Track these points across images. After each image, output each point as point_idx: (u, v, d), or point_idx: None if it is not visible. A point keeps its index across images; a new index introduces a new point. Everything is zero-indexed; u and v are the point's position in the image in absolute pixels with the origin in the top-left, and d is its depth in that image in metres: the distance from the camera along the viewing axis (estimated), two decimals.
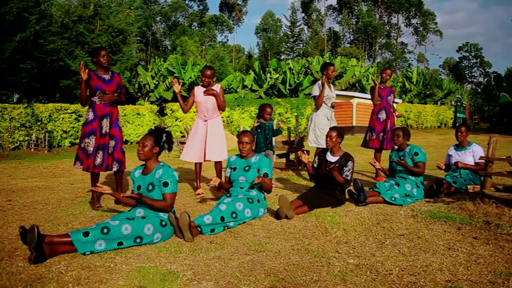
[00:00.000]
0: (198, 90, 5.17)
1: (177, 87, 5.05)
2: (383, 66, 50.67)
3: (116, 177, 4.72)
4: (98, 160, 4.42)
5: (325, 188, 4.34)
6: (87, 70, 4.35)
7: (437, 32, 59.50)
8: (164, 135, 3.54)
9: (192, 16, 55.91)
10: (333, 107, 5.92)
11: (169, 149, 3.61)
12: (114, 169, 4.54)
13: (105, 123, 4.49)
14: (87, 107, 4.57)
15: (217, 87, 5.19)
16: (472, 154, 5.08)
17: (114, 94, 4.53)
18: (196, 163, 5.20)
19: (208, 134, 5.13)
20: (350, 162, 4.31)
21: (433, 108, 26.60)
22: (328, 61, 27.34)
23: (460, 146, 5.26)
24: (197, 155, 5.12)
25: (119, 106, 4.84)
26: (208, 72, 5.07)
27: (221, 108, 5.20)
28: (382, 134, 6.13)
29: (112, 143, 4.51)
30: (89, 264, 2.81)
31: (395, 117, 6.29)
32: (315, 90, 5.88)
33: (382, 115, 6.16)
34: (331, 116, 5.94)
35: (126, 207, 4.22)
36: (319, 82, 5.87)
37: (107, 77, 4.54)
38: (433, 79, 32.21)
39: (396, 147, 4.92)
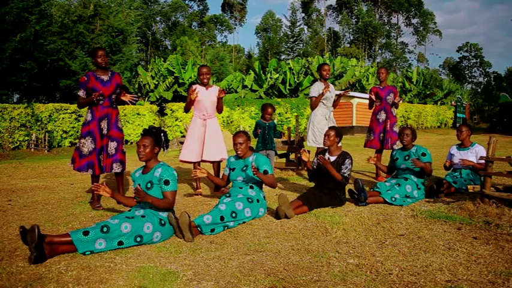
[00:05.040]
0: (198, 89, 5.15)
1: (193, 96, 5.02)
2: (382, 66, 50.67)
3: (117, 179, 4.72)
4: (102, 162, 4.45)
5: (325, 187, 4.34)
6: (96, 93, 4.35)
7: (436, 31, 59.52)
8: (162, 135, 3.57)
9: (192, 16, 55.90)
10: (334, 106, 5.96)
11: (167, 147, 3.64)
12: (116, 170, 4.53)
13: (104, 124, 4.46)
14: (87, 108, 4.56)
15: (216, 89, 5.21)
16: (475, 154, 5.06)
17: (112, 96, 4.50)
18: (194, 163, 5.18)
19: (207, 134, 5.13)
20: (348, 160, 4.32)
21: (433, 108, 26.58)
22: (328, 61, 27.39)
23: (462, 146, 5.25)
24: (195, 154, 5.11)
25: (119, 106, 4.82)
26: (205, 70, 5.13)
27: (220, 110, 5.28)
28: (382, 135, 6.14)
29: (113, 144, 4.50)
30: (89, 264, 2.81)
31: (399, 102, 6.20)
32: (313, 92, 5.93)
33: (381, 116, 6.15)
34: (330, 116, 5.98)
35: (126, 207, 4.23)
36: (318, 83, 5.93)
37: (105, 77, 4.49)
38: (433, 79, 32.19)
39: (400, 145, 4.89)
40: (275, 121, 6.13)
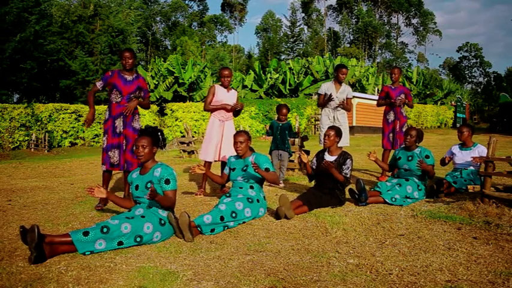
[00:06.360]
0: (219, 90, 5.23)
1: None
2: (383, 66, 50.72)
3: (125, 176, 4.77)
4: (114, 159, 4.53)
5: (325, 187, 4.34)
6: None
7: (436, 31, 59.52)
8: (159, 134, 3.58)
9: (192, 16, 55.90)
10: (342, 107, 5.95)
11: (164, 146, 3.66)
12: (124, 169, 4.62)
13: (119, 122, 4.58)
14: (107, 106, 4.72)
15: (234, 93, 5.33)
16: (477, 155, 5.05)
17: (131, 96, 4.59)
18: (206, 163, 5.21)
19: (224, 135, 5.21)
20: (348, 160, 4.31)
21: (433, 108, 26.60)
22: (328, 62, 27.26)
23: (464, 146, 5.26)
24: (211, 154, 5.19)
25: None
26: (226, 72, 5.21)
27: (236, 115, 5.43)
28: (391, 135, 6.15)
29: (125, 143, 4.60)
30: (89, 264, 2.81)
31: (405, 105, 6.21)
32: (321, 90, 5.97)
33: (390, 116, 6.17)
34: (336, 116, 5.92)
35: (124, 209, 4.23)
36: (329, 84, 5.91)
37: (129, 77, 4.61)
38: (433, 79, 32.24)
39: (403, 145, 4.89)
40: (297, 124, 6.17)
